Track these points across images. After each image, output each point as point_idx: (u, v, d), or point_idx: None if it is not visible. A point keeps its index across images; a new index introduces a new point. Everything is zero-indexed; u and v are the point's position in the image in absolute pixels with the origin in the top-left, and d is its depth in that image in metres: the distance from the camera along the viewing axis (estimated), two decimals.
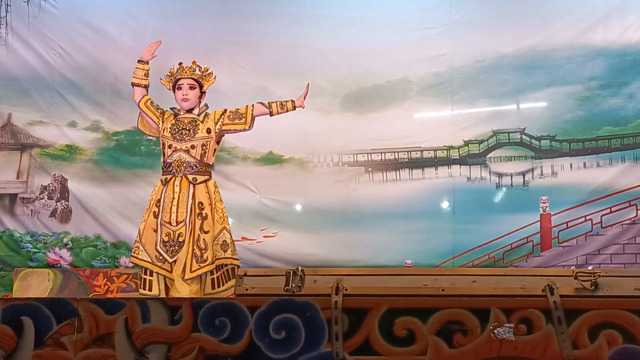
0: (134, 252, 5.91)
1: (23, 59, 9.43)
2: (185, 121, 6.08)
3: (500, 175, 9.05)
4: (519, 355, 2.89)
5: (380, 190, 9.23)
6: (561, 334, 2.87)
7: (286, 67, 9.21)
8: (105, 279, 8.47)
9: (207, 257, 5.81)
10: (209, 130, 6.05)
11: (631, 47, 8.78)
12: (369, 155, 9.27)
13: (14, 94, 9.44)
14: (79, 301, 3.08)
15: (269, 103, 6.30)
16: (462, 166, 9.10)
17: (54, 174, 9.36)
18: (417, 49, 9.18)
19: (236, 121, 6.19)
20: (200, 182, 5.95)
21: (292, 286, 3.20)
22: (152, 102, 6.17)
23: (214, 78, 6.21)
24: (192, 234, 5.83)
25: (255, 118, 6.22)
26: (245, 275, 3.34)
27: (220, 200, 6.01)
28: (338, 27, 9.27)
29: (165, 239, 5.85)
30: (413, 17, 9.30)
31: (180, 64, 6.11)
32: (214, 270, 5.82)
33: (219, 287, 5.85)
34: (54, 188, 9.31)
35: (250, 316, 3.00)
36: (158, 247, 5.85)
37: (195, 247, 5.82)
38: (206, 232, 5.86)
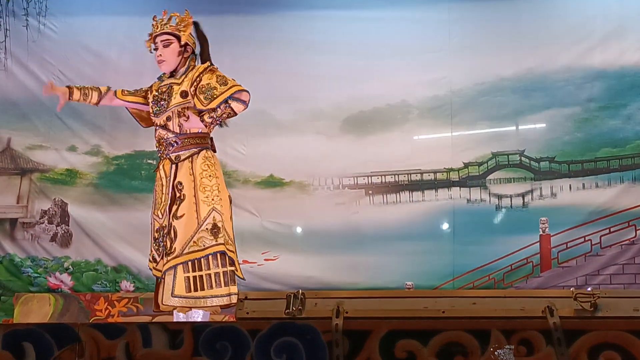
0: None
1: (22, 83, 9.45)
2: (163, 89, 5.11)
3: (499, 196, 9.06)
4: None
5: (381, 212, 9.24)
6: (561, 355, 2.87)
7: (286, 92, 9.25)
8: (106, 303, 8.46)
9: (174, 248, 4.78)
10: (184, 94, 5.01)
11: (629, 69, 8.82)
12: (369, 178, 9.29)
13: (13, 118, 9.46)
14: (80, 326, 3.07)
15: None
16: (462, 188, 9.10)
17: (54, 198, 9.36)
18: (416, 72, 9.22)
19: (201, 97, 4.98)
20: (184, 159, 4.98)
21: (292, 309, 3.21)
22: (128, 90, 5.39)
23: (191, 25, 5.15)
24: (169, 224, 4.87)
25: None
26: (245, 298, 3.35)
27: (212, 177, 4.96)
28: (338, 52, 9.29)
29: (157, 235, 4.98)
30: (412, 41, 9.33)
31: (154, 17, 5.24)
32: (192, 265, 4.78)
33: (198, 289, 4.75)
34: (54, 212, 9.31)
35: (251, 340, 3.00)
36: (152, 247, 5.02)
37: (167, 238, 4.83)
38: (179, 218, 4.84)
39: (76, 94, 5.39)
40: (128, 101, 5.38)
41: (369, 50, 9.31)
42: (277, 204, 9.27)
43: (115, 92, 5.43)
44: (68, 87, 5.46)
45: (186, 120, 5.02)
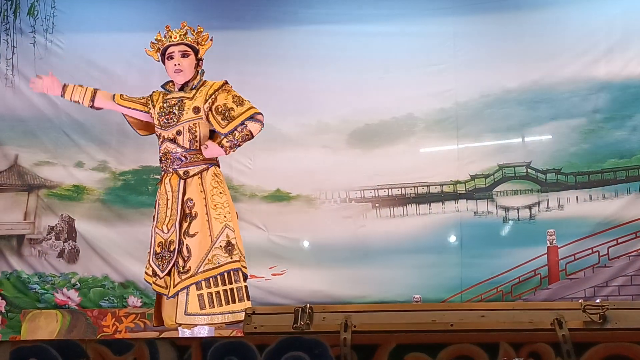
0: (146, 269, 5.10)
1: (29, 100, 9.45)
2: (172, 102, 5.04)
3: (506, 209, 9.06)
4: None
5: (388, 225, 9.24)
6: None
7: (292, 106, 9.27)
8: (114, 319, 8.46)
9: (189, 267, 4.76)
10: (196, 110, 4.97)
11: (634, 80, 8.82)
12: (376, 191, 9.29)
13: (20, 135, 9.48)
14: (87, 342, 3.07)
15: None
16: (468, 200, 9.11)
17: (61, 215, 9.37)
18: (422, 85, 9.24)
19: (218, 118, 4.98)
20: (193, 175, 4.94)
21: (300, 324, 3.19)
22: (127, 96, 5.34)
23: (211, 40, 5.25)
24: (179, 240, 4.84)
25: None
26: (253, 313, 3.34)
27: (222, 193, 4.96)
28: (344, 66, 9.33)
29: (158, 249, 4.92)
30: (418, 55, 9.36)
31: (167, 27, 5.20)
32: (206, 283, 4.77)
33: (215, 305, 4.75)
34: (61, 228, 9.32)
35: (259, 354, 2.99)
36: (151, 261, 4.96)
37: (178, 256, 4.80)
38: (192, 236, 4.83)
39: (69, 88, 5.33)
40: (126, 107, 5.32)
41: (375, 64, 9.34)
42: (284, 218, 9.27)
43: (114, 95, 5.37)
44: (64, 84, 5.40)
45: (195, 136, 4.97)
